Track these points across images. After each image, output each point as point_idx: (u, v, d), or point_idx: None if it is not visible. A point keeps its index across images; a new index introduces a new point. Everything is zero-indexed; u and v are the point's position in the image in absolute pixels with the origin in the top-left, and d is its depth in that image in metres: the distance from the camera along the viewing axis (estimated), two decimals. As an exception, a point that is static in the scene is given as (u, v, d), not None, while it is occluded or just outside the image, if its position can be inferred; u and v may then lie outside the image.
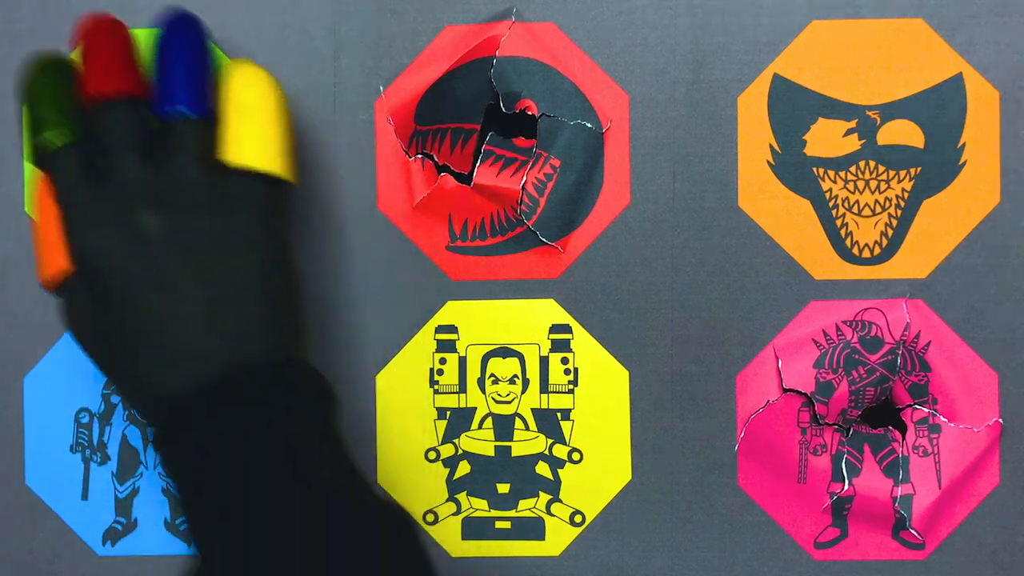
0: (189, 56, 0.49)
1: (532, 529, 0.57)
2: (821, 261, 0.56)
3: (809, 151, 0.56)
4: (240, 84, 0.50)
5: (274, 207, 0.50)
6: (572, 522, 0.57)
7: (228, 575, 0.44)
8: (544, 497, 0.57)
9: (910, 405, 0.56)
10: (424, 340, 0.57)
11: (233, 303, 0.47)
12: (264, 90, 0.50)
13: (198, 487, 0.46)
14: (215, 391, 0.46)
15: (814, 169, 0.56)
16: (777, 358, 0.56)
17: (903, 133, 0.55)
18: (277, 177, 0.49)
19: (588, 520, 0.57)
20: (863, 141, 0.56)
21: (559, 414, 0.57)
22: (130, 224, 0.47)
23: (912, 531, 0.56)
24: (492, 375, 0.57)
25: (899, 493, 0.55)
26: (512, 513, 0.57)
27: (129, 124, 0.48)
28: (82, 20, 0.51)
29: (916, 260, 0.56)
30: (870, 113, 0.55)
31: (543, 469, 0.57)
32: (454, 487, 0.57)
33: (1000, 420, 0.55)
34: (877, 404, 0.56)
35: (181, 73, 0.49)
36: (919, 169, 0.56)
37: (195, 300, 0.46)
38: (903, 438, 0.56)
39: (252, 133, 0.49)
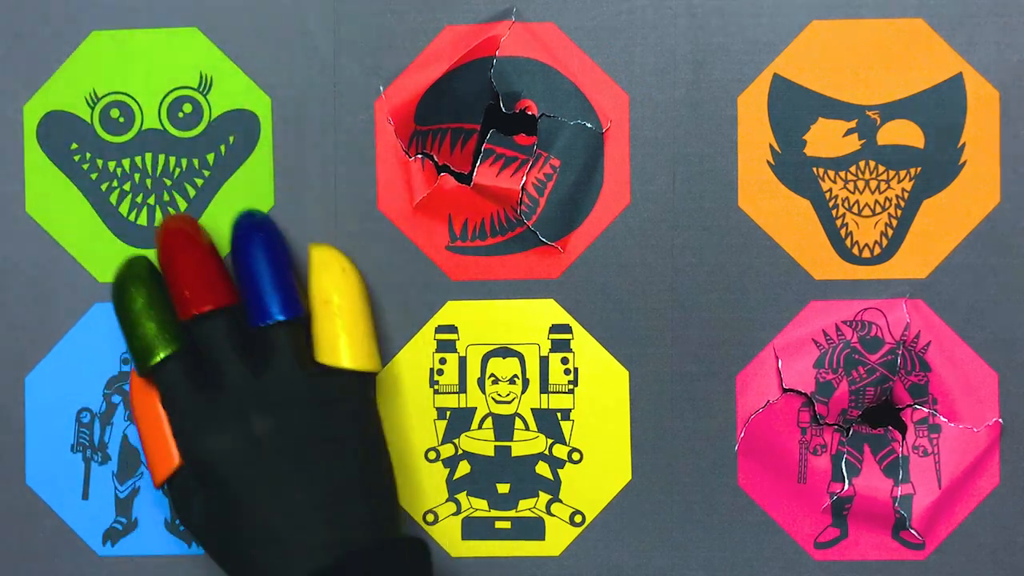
0: (272, 261, 0.53)
1: (532, 529, 0.57)
2: (821, 261, 0.56)
3: (809, 151, 0.56)
4: (324, 281, 0.54)
5: (365, 399, 0.54)
6: (572, 522, 0.57)
7: None
8: (544, 497, 0.57)
9: (910, 405, 0.56)
10: (424, 340, 0.57)
11: (339, 496, 0.51)
12: (348, 285, 0.54)
13: None
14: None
15: (814, 169, 0.56)
16: (777, 358, 0.56)
17: (903, 133, 0.55)
18: (367, 372, 0.54)
19: (588, 520, 0.57)
20: (863, 141, 0.56)
21: (559, 414, 0.57)
22: (242, 428, 0.51)
23: (912, 531, 0.56)
24: (492, 375, 0.57)
25: (899, 493, 0.55)
26: (512, 513, 0.57)
27: (228, 333, 0.53)
28: (166, 226, 0.54)
29: (916, 260, 0.56)
30: (870, 113, 0.55)
31: (543, 469, 0.57)
32: (454, 487, 0.57)
33: (1000, 420, 0.55)
34: (877, 404, 0.56)
35: (269, 282, 0.53)
36: (919, 169, 0.56)
37: (306, 497, 0.50)
38: (903, 438, 0.56)
39: (340, 334, 0.53)
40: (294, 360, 0.52)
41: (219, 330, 0.52)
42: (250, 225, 0.54)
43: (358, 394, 0.54)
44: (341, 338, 0.53)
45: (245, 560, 0.50)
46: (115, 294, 0.54)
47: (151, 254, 0.56)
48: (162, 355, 0.52)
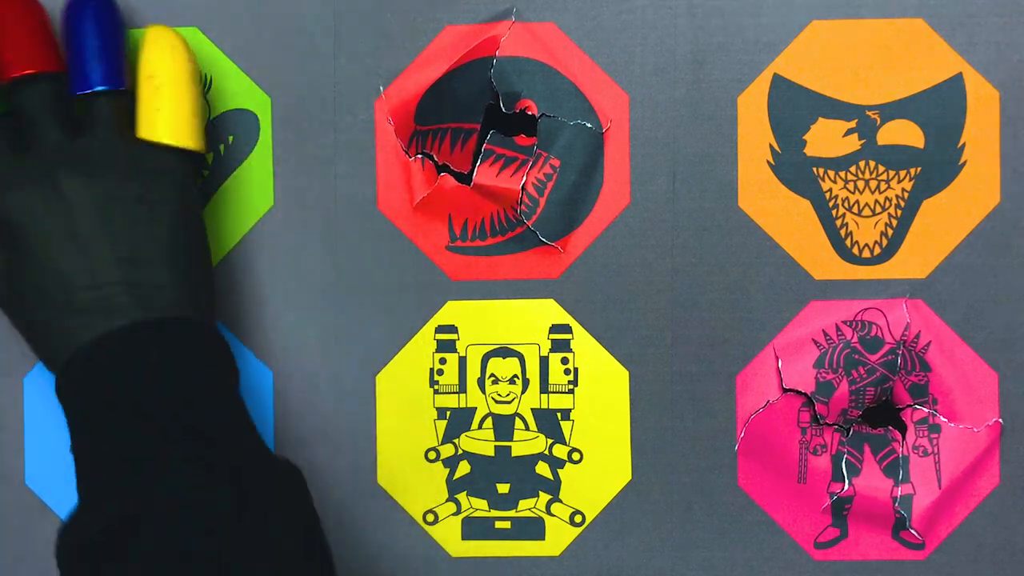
0: (100, 31, 0.52)
1: (532, 529, 0.57)
2: (821, 261, 0.56)
3: (809, 151, 0.56)
4: (151, 55, 0.52)
5: (185, 175, 0.52)
6: (572, 522, 0.57)
7: (107, 517, 0.45)
8: (544, 497, 0.57)
9: (910, 405, 0.56)
10: (424, 340, 0.57)
11: (144, 263, 0.50)
12: (174, 61, 0.52)
13: (93, 432, 0.48)
14: (121, 341, 0.48)
15: (814, 169, 0.56)
16: (777, 358, 0.56)
17: (903, 133, 0.55)
18: (189, 149, 0.52)
19: (588, 520, 0.57)
20: (863, 141, 0.56)
21: (559, 414, 0.57)
22: (51, 186, 0.50)
23: (912, 531, 0.56)
24: (492, 375, 0.57)
25: (899, 493, 0.55)
26: (512, 513, 0.57)
27: (49, 97, 0.51)
28: None
29: (916, 260, 0.56)
30: (870, 113, 0.55)
31: (543, 469, 0.57)
32: (454, 487, 0.57)
33: (1000, 420, 0.55)
34: (877, 404, 0.56)
35: (94, 50, 0.52)
36: (919, 169, 0.56)
37: (109, 258, 0.49)
38: (903, 438, 0.56)
39: (164, 108, 0.52)
40: (112, 130, 0.51)
41: (38, 95, 0.51)
42: None
43: (176, 170, 0.52)
44: (161, 112, 0.52)
45: (40, 317, 0.50)
46: None
47: None
48: None
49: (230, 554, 0.44)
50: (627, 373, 0.57)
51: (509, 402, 0.57)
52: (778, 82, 0.56)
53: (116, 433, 0.47)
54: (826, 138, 0.56)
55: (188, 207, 0.52)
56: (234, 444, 0.48)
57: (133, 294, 0.49)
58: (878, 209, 0.56)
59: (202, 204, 0.54)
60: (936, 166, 0.55)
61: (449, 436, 0.57)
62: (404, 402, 0.57)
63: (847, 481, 0.55)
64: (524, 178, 0.55)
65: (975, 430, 0.55)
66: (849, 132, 0.56)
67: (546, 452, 0.57)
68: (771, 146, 0.56)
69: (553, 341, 0.57)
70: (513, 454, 0.57)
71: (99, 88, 0.52)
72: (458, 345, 0.57)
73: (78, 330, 0.48)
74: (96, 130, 0.51)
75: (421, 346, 0.57)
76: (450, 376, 0.57)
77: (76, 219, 0.49)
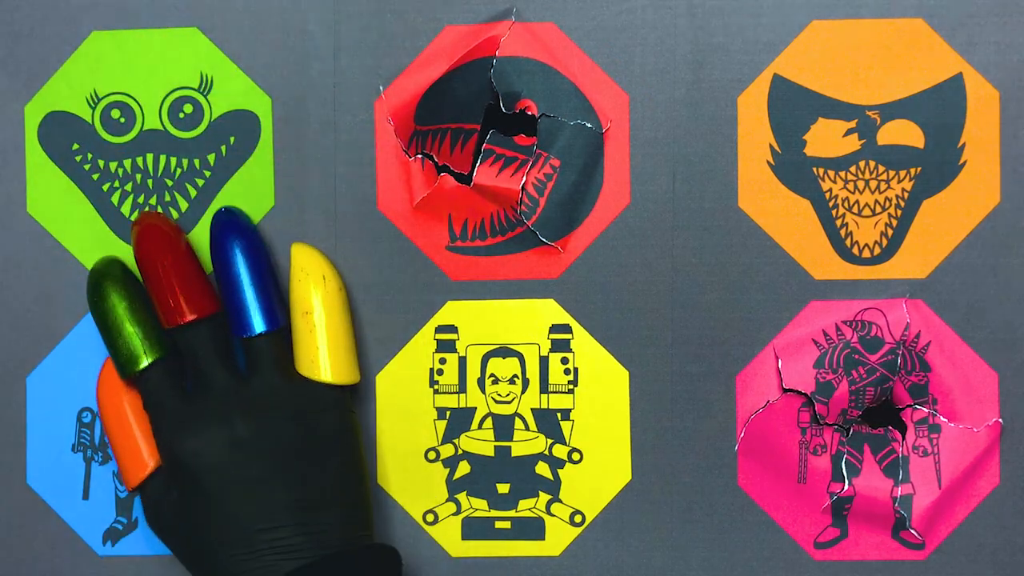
0: (253, 273, 0.54)
1: (532, 529, 0.57)
2: (821, 261, 0.56)
3: (809, 151, 0.56)
4: (304, 290, 0.54)
5: (344, 411, 0.55)
6: (572, 522, 0.57)
7: None
8: (544, 497, 0.57)
9: (910, 405, 0.56)
10: (424, 340, 0.57)
11: (314, 502, 0.52)
12: (327, 294, 0.54)
13: None
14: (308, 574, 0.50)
15: (814, 169, 0.56)
16: (777, 358, 0.56)
17: (903, 133, 0.55)
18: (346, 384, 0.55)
19: (588, 520, 0.57)
20: (863, 141, 0.56)
21: (559, 414, 0.57)
22: (225, 429, 0.52)
23: (912, 531, 0.56)
24: (492, 375, 0.57)
25: (899, 493, 0.55)
26: (512, 513, 0.57)
27: (212, 340, 0.54)
28: (143, 224, 0.55)
29: (916, 260, 0.56)
30: (870, 113, 0.55)
31: (543, 469, 0.57)
32: (454, 487, 0.57)
33: (1000, 420, 0.55)
34: (877, 404, 0.56)
35: (250, 293, 0.54)
36: (919, 169, 0.55)
37: (283, 501, 0.51)
38: (903, 438, 0.56)
39: (318, 347, 0.54)
40: (276, 370, 0.54)
41: (203, 338, 0.53)
42: (229, 229, 0.55)
43: (337, 404, 0.54)
44: (320, 352, 0.54)
45: (215, 560, 0.51)
46: (92, 296, 0.54)
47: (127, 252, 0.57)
48: (148, 361, 0.53)
49: None
50: (627, 373, 0.57)
51: (509, 402, 0.57)
52: (778, 82, 0.56)
53: None
54: (826, 138, 0.56)
55: (350, 443, 0.54)
56: None
57: (307, 534, 0.51)
58: (878, 209, 0.56)
59: (359, 434, 0.56)
60: (936, 166, 0.55)
61: (449, 436, 0.57)
62: (404, 402, 0.57)
63: (847, 481, 0.55)
64: (524, 178, 0.55)
65: (975, 430, 0.55)
66: (849, 132, 0.55)
67: (546, 452, 0.57)
68: (771, 146, 0.56)
69: (553, 341, 0.57)
70: (513, 454, 0.57)
71: (260, 331, 0.54)
72: (458, 345, 0.57)
73: (258, 571, 0.50)
74: (262, 372, 0.53)
75: (421, 346, 0.57)
76: (450, 376, 0.57)
77: (251, 463, 0.51)
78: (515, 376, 0.57)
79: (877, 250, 0.56)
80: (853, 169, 0.56)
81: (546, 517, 0.57)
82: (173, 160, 0.58)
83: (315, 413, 0.53)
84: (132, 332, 0.54)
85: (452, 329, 0.57)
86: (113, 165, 0.58)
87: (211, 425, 0.52)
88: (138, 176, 0.58)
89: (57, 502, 0.58)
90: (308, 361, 0.54)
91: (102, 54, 0.57)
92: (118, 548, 0.58)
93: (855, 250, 0.56)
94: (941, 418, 0.56)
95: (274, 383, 0.53)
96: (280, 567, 0.50)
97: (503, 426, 0.57)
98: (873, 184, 0.56)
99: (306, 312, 0.54)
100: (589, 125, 0.56)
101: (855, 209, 0.56)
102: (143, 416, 0.54)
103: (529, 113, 0.56)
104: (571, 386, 0.57)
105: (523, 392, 0.57)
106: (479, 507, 0.57)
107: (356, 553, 0.51)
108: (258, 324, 0.54)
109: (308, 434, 0.53)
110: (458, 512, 0.57)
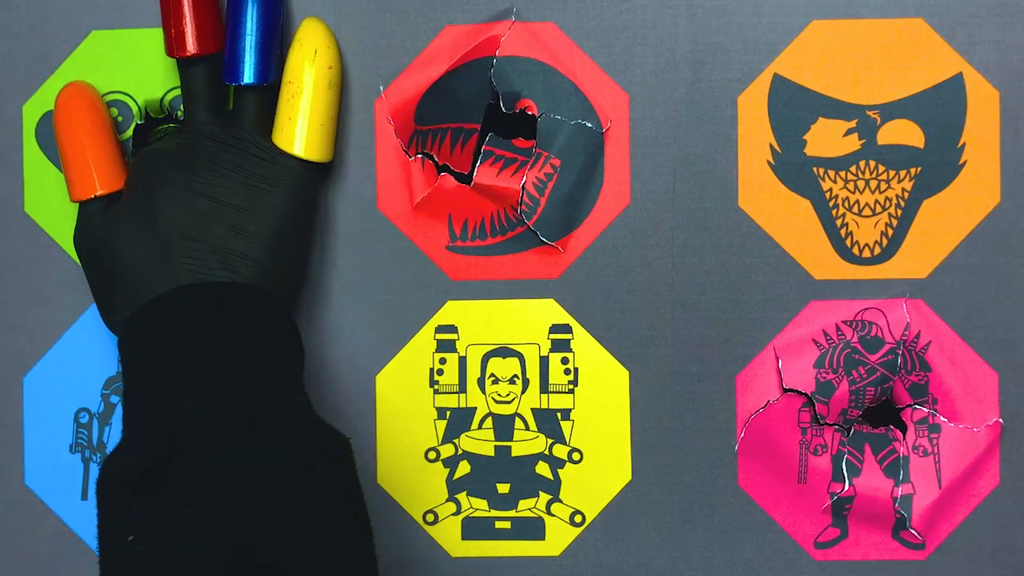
0: (260, 23, 0.54)
1: (532, 529, 0.57)
2: (821, 261, 0.56)
3: (809, 151, 0.56)
4: (294, 59, 0.54)
5: (307, 183, 0.54)
6: (572, 522, 0.57)
7: (145, 450, 0.45)
8: (544, 497, 0.57)
9: (910, 405, 0.56)
10: (424, 340, 0.57)
11: (245, 235, 0.52)
12: (315, 67, 0.54)
13: (145, 377, 0.49)
14: (193, 294, 0.51)
15: (814, 169, 0.56)
16: (777, 358, 0.56)
17: (903, 133, 0.55)
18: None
19: (588, 520, 0.57)
20: (863, 141, 0.56)
21: (559, 414, 0.57)
22: (187, 147, 0.53)
23: (912, 531, 0.56)
24: (492, 375, 0.57)
25: (899, 493, 0.55)
26: (512, 513, 0.57)
27: (204, 82, 0.54)
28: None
29: (916, 260, 0.56)
30: (870, 113, 0.55)
31: (543, 469, 0.57)
32: (454, 487, 0.57)
33: (1000, 420, 0.55)
34: (877, 404, 0.56)
35: (249, 43, 0.54)
36: (919, 169, 0.56)
37: (214, 237, 0.52)
38: (903, 438, 0.56)
39: (295, 119, 0.54)
40: (252, 128, 0.54)
41: (197, 79, 0.54)
42: None
43: (300, 178, 0.54)
44: (292, 123, 0.54)
45: (126, 281, 0.52)
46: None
47: None
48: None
49: (267, 490, 0.45)
50: (627, 373, 0.57)
51: (509, 402, 0.57)
52: (778, 82, 0.56)
53: (166, 377, 0.48)
54: (826, 138, 0.56)
55: (304, 207, 0.54)
56: (283, 399, 0.48)
57: (223, 259, 0.51)
58: (878, 209, 0.56)
59: (315, 212, 0.56)
60: (936, 166, 0.55)
61: (449, 436, 0.57)
62: (404, 402, 0.57)
63: (847, 481, 0.55)
64: (524, 178, 0.55)
65: (975, 430, 0.55)
66: (849, 132, 0.56)
67: (546, 452, 0.57)
68: (771, 146, 0.56)
69: (553, 341, 0.57)
70: (513, 454, 0.57)
71: (246, 83, 0.54)
72: (458, 345, 0.57)
73: (158, 281, 0.51)
74: (240, 124, 0.54)
75: (421, 346, 0.57)
76: (450, 376, 0.57)
77: (197, 197, 0.52)
78: (515, 376, 0.57)
79: (877, 250, 0.56)
80: (853, 169, 0.56)
81: (546, 517, 0.57)
82: (172, 159, 0.57)
83: (275, 183, 0.53)
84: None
85: (452, 329, 0.57)
86: (112, 165, 0.57)
87: (174, 137, 0.54)
88: (137, 176, 0.57)
89: (55, 502, 0.58)
90: (279, 129, 0.54)
91: (102, 54, 0.57)
92: (117, 549, 0.57)
93: (855, 250, 0.56)
94: (941, 418, 0.56)
95: (246, 138, 0.53)
96: (182, 279, 0.51)
97: (503, 426, 0.57)
98: (873, 184, 0.56)
99: (290, 81, 0.54)
100: (589, 125, 0.56)
101: (855, 209, 0.56)
102: (104, 136, 0.55)
103: (529, 113, 0.56)
104: (571, 386, 0.57)
105: (523, 392, 0.57)
106: (479, 507, 0.57)
107: (255, 290, 0.52)
108: (248, 74, 0.53)
109: (263, 174, 0.53)
110: (458, 512, 0.57)
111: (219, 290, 0.51)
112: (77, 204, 0.55)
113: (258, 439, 0.45)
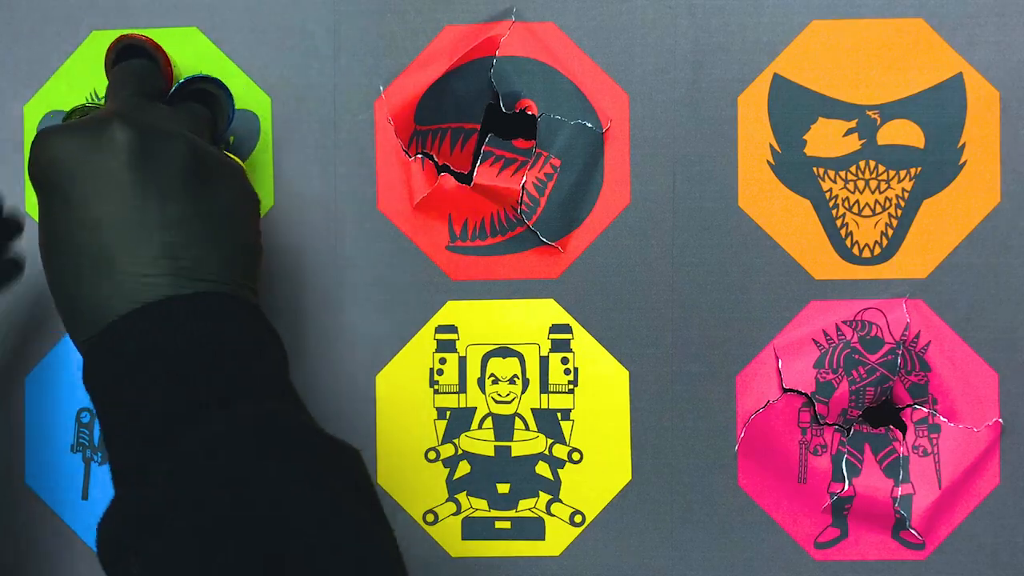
0: None
1: (532, 529, 0.57)
2: (821, 261, 0.56)
3: (809, 151, 0.56)
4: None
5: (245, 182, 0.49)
6: (572, 522, 0.57)
7: (144, 502, 0.42)
8: (544, 497, 0.57)
9: (910, 405, 0.56)
10: (424, 340, 0.57)
11: (191, 237, 0.45)
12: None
13: (120, 405, 0.43)
14: (159, 311, 0.44)
15: (814, 169, 0.56)
16: (777, 358, 0.56)
17: (903, 133, 0.55)
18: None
19: (588, 520, 0.57)
20: (863, 141, 0.56)
21: (559, 414, 0.57)
22: (103, 130, 0.45)
23: (912, 531, 0.56)
24: (492, 375, 0.57)
25: (899, 493, 0.55)
26: (512, 513, 0.57)
27: (140, 71, 0.50)
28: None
29: (916, 260, 0.56)
30: (870, 113, 0.55)
31: (543, 469, 0.57)
32: (454, 487, 0.57)
33: (1000, 420, 0.55)
34: (877, 404, 0.56)
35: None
36: (919, 169, 0.56)
37: (150, 225, 0.45)
38: (903, 438, 0.56)
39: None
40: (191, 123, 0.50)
41: (134, 68, 0.50)
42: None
43: (242, 176, 0.49)
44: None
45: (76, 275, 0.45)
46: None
47: None
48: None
49: (281, 526, 0.41)
50: (627, 373, 0.57)
51: (509, 402, 0.57)
52: (778, 82, 0.56)
53: (149, 407, 0.43)
54: (826, 138, 0.56)
55: (245, 210, 0.49)
56: (288, 418, 0.44)
57: (170, 257, 0.45)
58: (878, 209, 0.56)
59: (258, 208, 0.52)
60: (936, 166, 0.55)
61: (449, 436, 0.57)
62: (404, 402, 0.57)
63: (847, 481, 0.55)
64: (524, 178, 0.55)
65: (975, 430, 0.55)
66: (849, 132, 0.56)
67: (546, 452, 0.57)
68: (771, 146, 0.56)
69: (553, 341, 0.57)
70: (513, 454, 0.57)
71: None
72: (458, 345, 0.57)
73: (113, 299, 0.44)
74: (178, 111, 0.49)
75: (421, 346, 0.57)
76: (450, 376, 0.57)
77: (120, 171, 0.45)
78: (515, 376, 0.57)
79: (877, 250, 0.56)
80: (853, 169, 0.56)
81: (546, 517, 0.57)
82: (172, 160, 0.57)
83: (214, 168, 0.47)
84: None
85: (452, 329, 0.57)
86: (112, 165, 0.57)
87: (91, 126, 0.45)
88: (137, 176, 0.57)
89: (56, 502, 0.58)
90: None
91: (102, 54, 0.57)
92: (118, 548, 0.57)
93: (855, 250, 0.56)
94: (941, 418, 0.56)
95: (182, 133, 0.47)
96: (140, 293, 0.44)
97: (503, 426, 0.57)
98: (873, 184, 0.56)
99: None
100: (589, 125, 0.56)
101: (855, 209, 0.56)
102: None
103: (529, 113, 0.56)
104: (571, 386, 0.57)
105: (523, 392, 0.57)
106: (479, 507, 0.57)
107: (224, 297, 0.45)
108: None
109: (210, 165, 0.47)
110: (458, 512, 0.57)
111: (188, 303, 0.45)
112: None
113: (270, 464, 0.42)
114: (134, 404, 0.43)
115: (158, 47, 0.52)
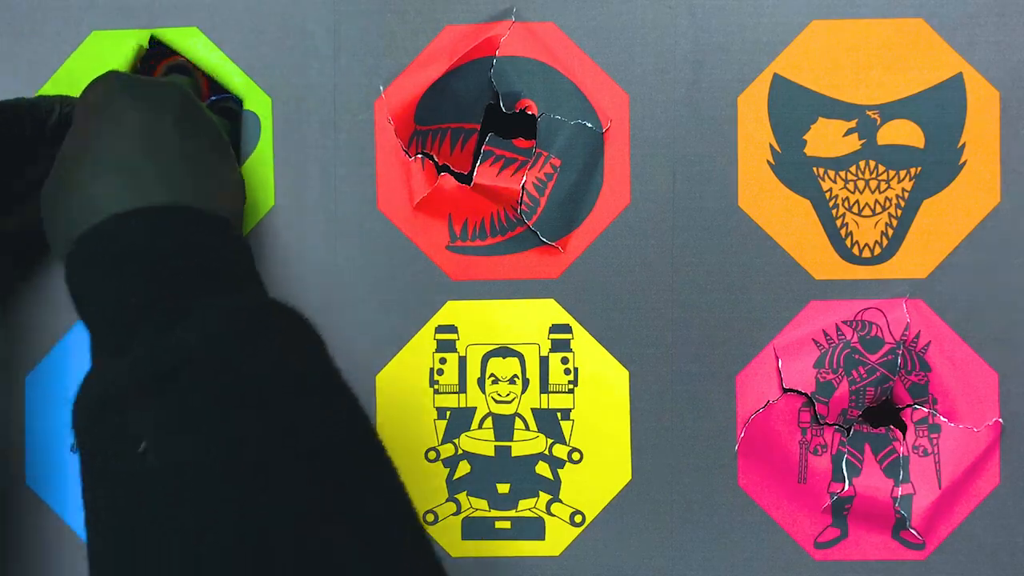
0: None
1: (532, 529, 0.57)
2: (821, 261, 0.56)
3: (809, 151, 0.56)
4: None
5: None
6: (572, 522, 0.57)
7: (133, 367, 0.43)
8: (544, 497, 0.57)
9: (910, 405, 0.56)
10: (424, 340, 0.57)
11: (171, 160, 0.48)
12: None
13: (100, 314, 0.46)
14: (142, 217, 0.47)
15: (814, 169, 0.56)
16: (777, 358, 0.56)
17: (903, 133, 0.55)
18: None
19: (588, 520, 0.57)
20: (863, 141, 0.56)
21: (559, 414, 0.57)
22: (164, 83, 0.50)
23: (912, 531, 0.56)
24: (492, 375, 0.57)
25: (899, 493, 0.55)
26: (512, 513, 0.57)
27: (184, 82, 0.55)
28: None
29: (916, 260, 0.56)
30: (870, 113, 0.55)
31: (543, 469, 0.57)
32: (454, 487, 0.57)
33: (1000, 420, 0.55)
34: (877, 404, 0.56)
35: None
36: (919, 169, 0.56)
37: (173, 155, 0.48)
38: (903, 438, 0.56)
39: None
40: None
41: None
42: None
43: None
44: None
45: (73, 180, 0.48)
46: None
47: None
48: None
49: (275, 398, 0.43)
50: (627, 373, 0.57)
51: (509, 402, 0.57)
52: (778, 82, 0.56)
53: (135, 288, 0.45)
54: (826, 138, 0.56)
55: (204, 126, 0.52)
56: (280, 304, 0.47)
57: (162, 180, 0.47)
58: (878, 209, 0.56)
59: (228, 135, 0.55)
60: (936, 166, 0.55)
61: (449, 436, 0.57)
62: (404, 402, 0.57)
63: (847, 481, 0.55)
64: (524, 178, 0.55)
65: (975, 430, 0.55)
66: (849, 132, 0.56)
67: (546, 452, 0.57)
68: (771, 146, 0.56)
69: (553, 341, 0.57)
70: (513, 454, 0.57)
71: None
72: (458, 345, 0.57)
73: (103, 200, 0.47)
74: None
75: (421, 346, 0.57)
76: (450, 376, 0.57)
77: (115, 101, 0.49)
78: (515, 376, 0.57)
79: (877, 250, 0.56)
80: (853, 169, 0.56)
81: (546, 517, 0.57)
82: (172, 160, 0.57)
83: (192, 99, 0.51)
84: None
85: (452, 329, 0.57)
86: (112, 165, 0.57)
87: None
88: (137, 176, 0.57)
89: (57, 502, 0.58)
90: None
91: (102, 54, 0.57)
92: (118, 548, 0.57)
93: (855, 250, 0.56)
94: (941, 418, 0.56)
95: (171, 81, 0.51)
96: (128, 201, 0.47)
97: (503, 426, 0.57)
98: (873, 184, 0.56)
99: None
100: (589, 125, 0.56)
101: (855, 209, 0.56)
102: None
103: (529, 113, 0.56)
104: (571, 386, 0.57)
105: (523, 392, 0.57)
106: (479, 507, 0.57)
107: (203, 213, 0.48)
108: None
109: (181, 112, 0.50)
110: (458, 512, 0.57)
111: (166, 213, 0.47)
112: None
113: (275, 338, 0.45)
114: (116, 291, 0.46)
115: (197, 68, 0.57)
